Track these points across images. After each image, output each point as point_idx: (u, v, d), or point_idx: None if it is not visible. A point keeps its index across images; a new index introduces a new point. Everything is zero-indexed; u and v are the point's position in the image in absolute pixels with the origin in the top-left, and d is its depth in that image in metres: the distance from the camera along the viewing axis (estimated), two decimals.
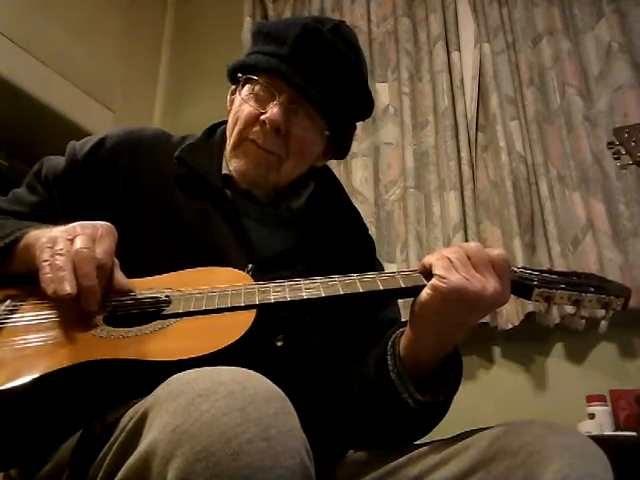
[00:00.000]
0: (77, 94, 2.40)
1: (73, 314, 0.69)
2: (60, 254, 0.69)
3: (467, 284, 0.72)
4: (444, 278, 0.72)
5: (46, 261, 0.70)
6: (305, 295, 0.74)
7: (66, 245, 0.70)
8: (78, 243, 0.70)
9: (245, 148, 0.93)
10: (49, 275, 0.68)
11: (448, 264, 0.73)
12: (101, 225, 0.75)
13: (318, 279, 0.77)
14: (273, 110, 0.90)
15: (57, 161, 0.95)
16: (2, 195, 0.96)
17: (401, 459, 0.78)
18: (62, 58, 2.33)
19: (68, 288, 0.67)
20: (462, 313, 0.75)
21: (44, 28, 2.28)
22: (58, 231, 0.73)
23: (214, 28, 2.89)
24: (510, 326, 1.98)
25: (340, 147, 1.02)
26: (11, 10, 2.16)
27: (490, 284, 0.73)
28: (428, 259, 0.76)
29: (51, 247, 0.71)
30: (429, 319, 0.76)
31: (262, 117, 0.91)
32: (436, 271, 0.73)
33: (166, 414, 0.51)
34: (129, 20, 2.77)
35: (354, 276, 0.77)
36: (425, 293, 0.74)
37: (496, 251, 0.76)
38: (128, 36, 2.75)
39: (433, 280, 0.73)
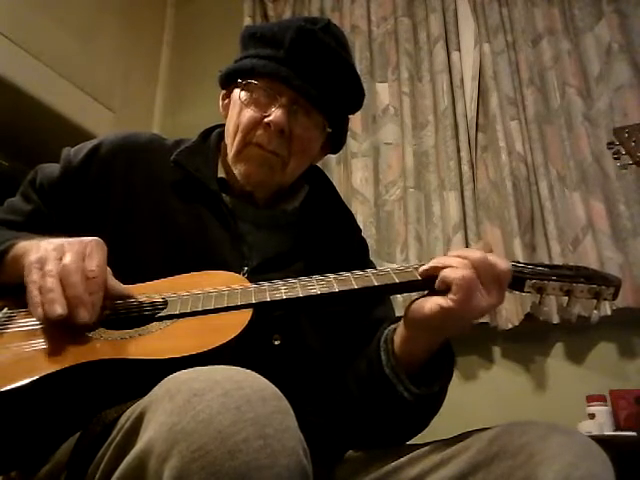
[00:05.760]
0: (77, 94, 2.40)
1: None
2: (50, 275, 0.68)
3: (477, 307, 0.74)
4: (462, 302, 0.72)
5: (34, 282, 0.68)
6: (301, 293, 0.75)
7: (55, 265, 0.69)
8: (67, 259, 0.69)
9: (249, 152, 0.94)
10: (37, 298, 0.67)
11: (468, 288, 0.72)
12: (89, 240, 0.74)
13: (313, 278, 0.78)
14: (277, 113, 0.91)
15: (52, 168, 0.94)
16: (2, 195, 0.96)
17: (401, 459, 0.78)
18: (62, 58, 2.33)
19: (59, 309, 0.66)
20: (461, 325, 0.78)
21: (44, 28, 2.28)
22: (47, 250, 0.71)
23: (214, 28, 2.89)
24: (510, 326, 1.98)
25: (336, 141, 1.03)
26: (11, 10, 2.16)
27: (493, 299, 0.75)
28: (447, 275, 0.74)
29: (40, 268, 0.69)
30: (429, 328, 0.77)
31: (266, 120, 0.92)
32: (456, 295, 0.72)
33: (162, 413, 0.51)
34: (129, 20, 2.77)
35: (349, 274, 0.78)
36: (429, 310, 0.74)
37: (502, 265, 0.75)
38: (128, 36, 2.75)
39: (449, 302, 0.73)
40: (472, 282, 0.73)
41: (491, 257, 0.75)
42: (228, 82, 1.00)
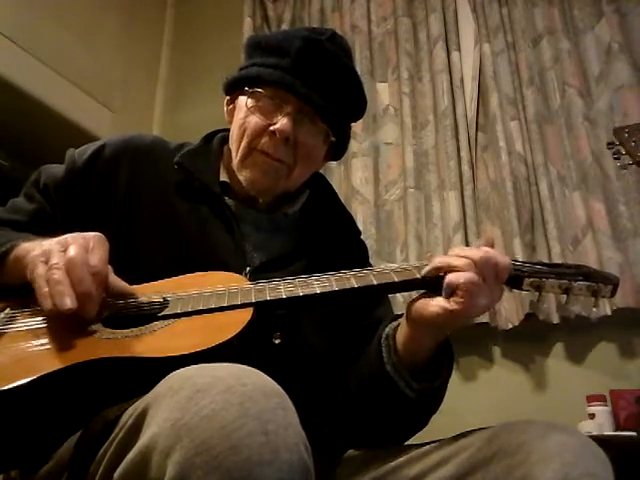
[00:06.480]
0: (77, 94, 2.41)
1: (72, 318, 0.69)
2: (57, 268, 0.68)
3: (480, 306, 0.75)
4: (466, 304, 0.73)
5: (41, 276, 0.68)
6: (301, 292, 0.75)
7: (61, 258, 0.69)
8: (71, 252, 0.70)
9: (255, 159, 0.94)
10: (46, 290, 0.67)
11: (473, 291, 0.73)
12: (92, 235, 0.74)
13: (313, 277, 0.78)
14: (283, 121, 0.91)
15: (56, 169, 0.95)
16: (2, 195, 0.96)
17: (401, 458, 0.79)
18: (62, 58, 2.33)
19: (69, 302, 0.66)
20: (463, 323, 0.78)
21: (44, 28, 2.28)
22: (50, 244, 0.72)
23: (214, 28, 2.89)
24: (510, 326, 1.98)
25: (339, 148, 1.04)
26: (11, 10, 2.16)
27: (495, 295, 0.76)
28: (452, 280, 0.74)
29: (45, 261, 0.70)
30: (432, 327, 0.78)
31: (271, 128, 0.92)
32: (461, 298, 0.73)
33: (166, 409, 0.51)
34: (129, 20, 2.77)
35: (349, 272, 0.79)
36: (434, 312, 0.75)
37: (501, 261, 0.76)
38: (128, 36, 2.75)
39: (453, 304, 0.74)
40: (476, 284, 0.73)
41: (492, 253, 0.76)
42: (233, 89, 1.01)
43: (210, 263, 0.84)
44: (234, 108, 1.00)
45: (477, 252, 0.75)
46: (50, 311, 0.67)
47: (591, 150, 2.06)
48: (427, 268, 0.77)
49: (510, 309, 1.99)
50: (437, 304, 0.75)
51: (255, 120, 0.94)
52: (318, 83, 0.93)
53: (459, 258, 0.76)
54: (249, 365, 0.56)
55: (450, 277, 0.74)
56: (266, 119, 0.93)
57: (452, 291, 0.74)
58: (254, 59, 0.98)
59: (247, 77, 0.97)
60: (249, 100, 0.95)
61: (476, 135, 2.26)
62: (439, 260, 0.77)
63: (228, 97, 1.03)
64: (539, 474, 0.64)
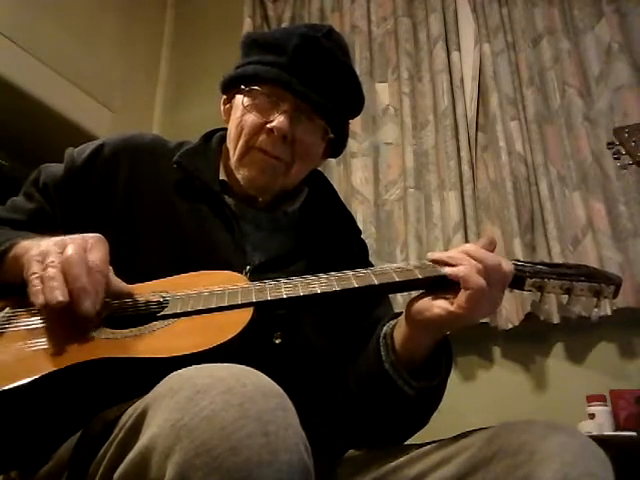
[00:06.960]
0: (77, 94, 2.41)
1: (72, 318, 0.69)
2: (51, 266, 0.68)
3: (483, 311, 0.76)
4: (471, 309, 0.73)
5: (35, 274, 0.68)
6: (302, 292, 0.75)
7: (57, 257, 0.69)
8: (69, 251, 0.70)
9: (253, 157, 0.94)
10: (38, 287, 0.67)
11: (481, 296, 0.73)
12: (90, 236, 0.74)
13: (314, 276, 0.78)
14: (280, 119, 0.91)
15: (56, 168, 0.95)
16: (2, 195, 0.96)
17: (401, 459, 0.79)
18: (62, 58, 2.33)
19: (59, 296, 0.65)
20: (464, 326, 0.78)
21: (44, 28, 2.28)
22: (48, 244, 0.72)
23: (214, 28, 2.89)
24: (510, 326, 1.98)
25: (337, 145, 1.04)
26: (12, 10, 2.17)
27: (498, 301, 0.77)
28: (457, 271, 0.75)
29: (41, 260, 0.69)
30: (432, 327, 0.78)
31: (269, 125, 0.92)
32: (467, 303, 0.73)
33: (166, 410, 0.51)
34: (129, 20, 2.77)
35: (349, 272, 0.79)
36: (436, 313, 0.75)
37: (506, 269, 0.76)
38: (128, 36, 2.75)
39: (457, 308, 0.74)
40: (485, 291, 0.73)
41: (503, 263, 0.76)
42: (230, 88, 1.01)
43: (210, 262, 0.84)
44: (231, 107, 1.00)
45: (491, 259, 0.75)
46: (42, 307, 0.66)
47: (591, 150, 2.06)
48: (436, 255, 0.79)
49: (510, 309, 1.99)
50: (440, 306, 0.75)
51: (252, 118, 0.94)
52: (315, 80, 0.93)
53: (471, 261, 0.75)
54: (249, 365, 0.56)
55: (462, 273, 0.74)
56: (263, 117, 0.93)
57: (456, 284, 0.74)
58: (251, 57, 0.98)
59: (244, 75, 0.97)
60: (246, 98, 0.95)
61: (476, 135, 2.26)
62: (450, 256, 0.77)
63: (225, 96, 1.03)
64: (539, 474, 0.64)
